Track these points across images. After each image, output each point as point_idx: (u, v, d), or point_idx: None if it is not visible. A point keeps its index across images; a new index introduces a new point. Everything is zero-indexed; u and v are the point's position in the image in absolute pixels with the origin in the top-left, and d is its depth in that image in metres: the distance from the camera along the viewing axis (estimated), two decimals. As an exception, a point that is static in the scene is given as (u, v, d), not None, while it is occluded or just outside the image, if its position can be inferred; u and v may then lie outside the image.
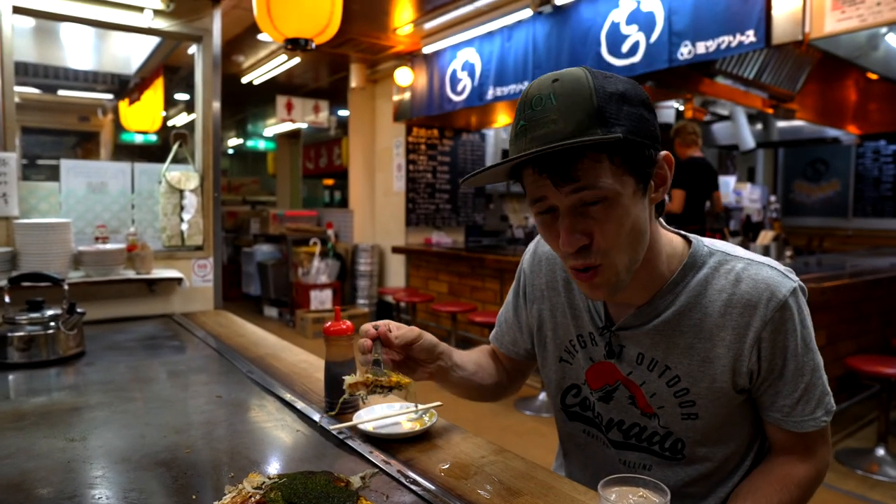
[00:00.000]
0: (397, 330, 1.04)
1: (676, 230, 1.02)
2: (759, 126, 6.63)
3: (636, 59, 3.94)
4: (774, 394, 0.95)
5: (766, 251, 3.74)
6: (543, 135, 0.83)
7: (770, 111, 5.04)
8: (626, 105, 0.83)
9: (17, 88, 2.20)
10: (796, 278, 0.94)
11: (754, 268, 0.93)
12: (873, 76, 4.60)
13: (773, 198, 6.54)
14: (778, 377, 0.94)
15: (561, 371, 1.11)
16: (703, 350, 0.94)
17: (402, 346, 1.03)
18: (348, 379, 1.02)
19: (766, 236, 3.90)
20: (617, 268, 0.88)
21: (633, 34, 3.95)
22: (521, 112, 0.86)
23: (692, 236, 1.00)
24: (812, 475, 0.98)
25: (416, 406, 1.19)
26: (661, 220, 0.99)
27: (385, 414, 1.18)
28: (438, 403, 1.21)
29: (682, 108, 5.41)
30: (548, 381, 1.15)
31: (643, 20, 3.90)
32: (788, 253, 3.96)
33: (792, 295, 0.91)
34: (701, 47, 3.60)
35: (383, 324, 1.04)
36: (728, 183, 6.31)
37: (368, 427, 1.13)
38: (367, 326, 1.03)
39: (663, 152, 0.89)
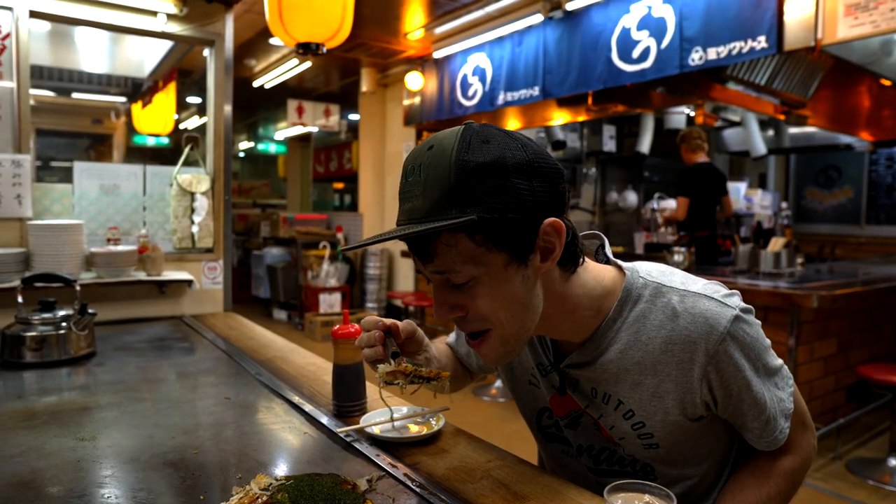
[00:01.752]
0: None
1: (615, 260, 0.97)
2: (770, 132, 6.59)
3: (647, 64, 3.94)
4: (742, 417, 0.93)
5: (776, 258, 3.70)
6: (408, 210, 0.81)
7: (782, 117, 5.01)
8: (493, 178, 0.78)
9: (33, 91, 2.23)
10: (737, 303, 0.90)
11: (690, 300, 0.89)
12: (887, 82, 4.56)
13: (784, 204, 6.49)
14: (738, 403, 0.91)
15: (532, 394, 1.09)
16: (652, 385, 0.91)
17: (404, 339, 1.07)
18: (383, 367, 0.98)
19: (776, 243, 3.86)
20: (505, 334, 0.86)
21: (644, 40, 3.94)
22: (401, 178, 0.84)
23: (627, 266, 0.95)
24: (798, 464, 0.99)
25: (424, 410, 1.19)
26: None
27: (392, 417, 1.19)
28: (446, 408, 1.21)
29: (692, 113, 5.38)
30: (521, 404, 1.13)
31: (654, 26, 3.89)
32: (799, 260, 3.92)
33: (733, 324, 0.87)
34: (712, 53, 3.59)
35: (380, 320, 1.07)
36: (739, 189, 6.26)
37: (375, 430, 1.13)
38: (374, 319, 1.05)
39: (549, 220, 0.82)
